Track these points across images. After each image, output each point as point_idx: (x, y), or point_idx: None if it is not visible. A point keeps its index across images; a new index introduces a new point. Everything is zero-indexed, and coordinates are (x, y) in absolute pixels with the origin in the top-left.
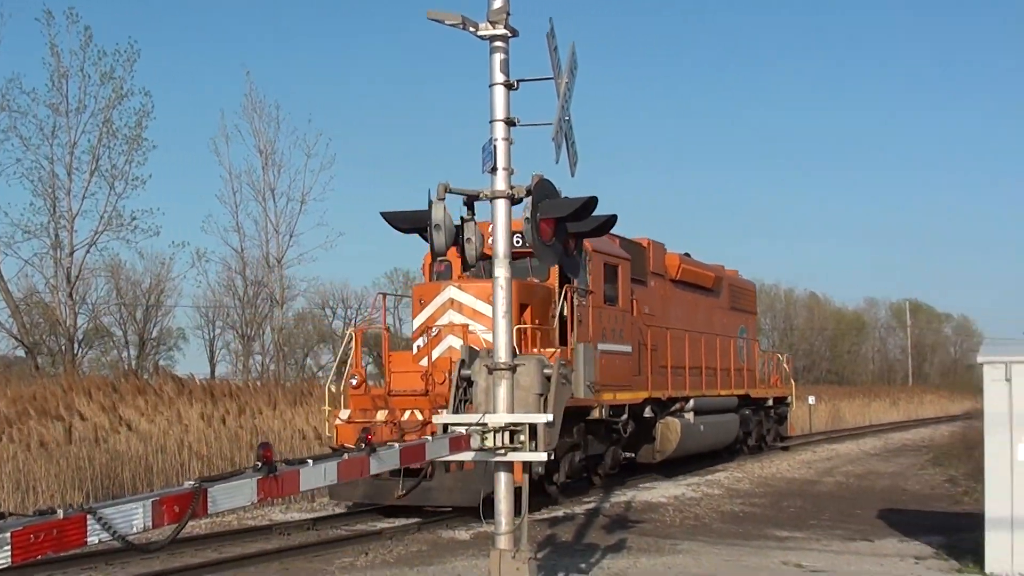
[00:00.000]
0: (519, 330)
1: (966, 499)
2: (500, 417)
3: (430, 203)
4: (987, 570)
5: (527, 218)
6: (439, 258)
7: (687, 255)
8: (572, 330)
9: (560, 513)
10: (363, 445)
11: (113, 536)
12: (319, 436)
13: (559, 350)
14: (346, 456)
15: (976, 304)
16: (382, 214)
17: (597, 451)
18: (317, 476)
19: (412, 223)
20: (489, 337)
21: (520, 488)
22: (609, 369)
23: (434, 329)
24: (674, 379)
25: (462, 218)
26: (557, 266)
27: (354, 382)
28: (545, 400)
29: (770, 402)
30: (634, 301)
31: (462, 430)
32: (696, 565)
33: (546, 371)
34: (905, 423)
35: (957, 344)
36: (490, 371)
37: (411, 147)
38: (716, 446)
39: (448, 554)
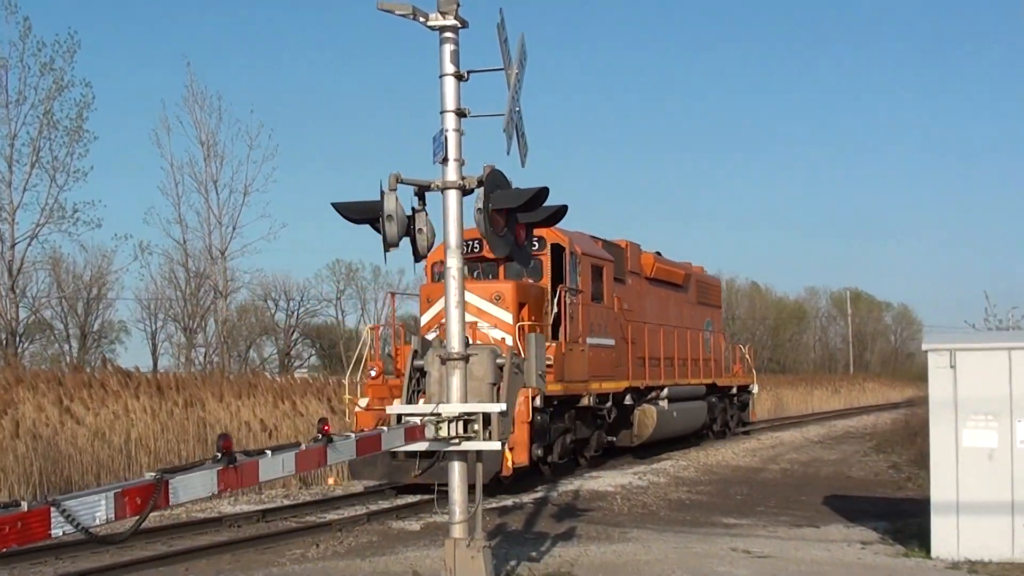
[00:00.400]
0: (520, 327)
1: (909, 485)
2: (454, 407)
3: (382, 194)
4: (933, 554)
5: (479, 208)
6: (438, 260)
7: (659, 254)
8: (565, 326)
9: (509, 502)
10: (320, 436)
11: (77, 528)
12: (265, 428)
13: (551, 344)
14: (303, 447)
15: (916, 293)
16: (333, 205)
17: (584, 435)
18: (275, 467)
19: (364, 214)
20: (493, 333)
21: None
22: (596, 361)
23: (439, 326)
24: (650, 370)
25: (413, 209)
26: (550, 267)
27: (372, 374)
28: (498, 389)
29: (734, 390)
30: (616, 298)
31: (416, 420)
32: (646, 552)
33: (499, 361)
34: (847, 411)
35: (897, 333)
36: (443, 361)
37: (356, 139)
38: (687, 431)
39: (399, 544)
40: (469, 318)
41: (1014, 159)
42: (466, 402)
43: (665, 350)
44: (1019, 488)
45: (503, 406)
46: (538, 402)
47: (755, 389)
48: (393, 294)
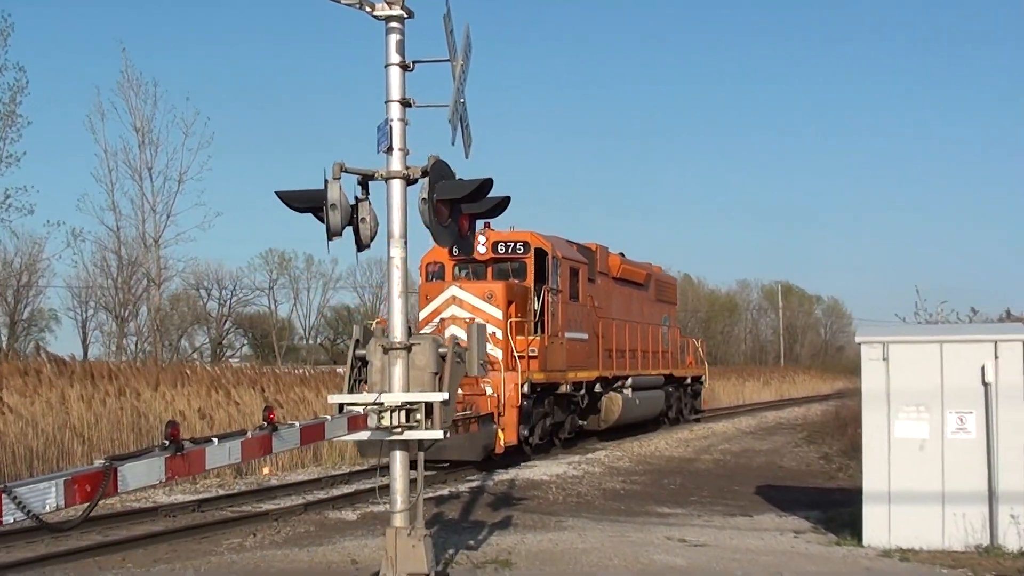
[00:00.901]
0: (512, 322)
1: (841, 475)
2: (396, 396)
3: (326, 183)
4: (865, 542)
5: (423, 198)
6: (431, 261)
7: (623, 255)
8: (547, 322)
9: (445, 492)
10: (265, 424)
11: (27, 515)
12: (204, 416)
13: (535, 338)
14: (249, 435)
15: (846, 287)
16: (277, 193)
17: (559, 419)
18: (222, 455)
19: (307, 202)
20: (488, 329)
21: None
22: (572, 353)
23: (437, 320)
24: (617, 361)
25: (357, 198)
26: (533, 269)
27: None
28: (440, 379)
29: (688, 380)
30: (589, 297)
31: (359, 410)
32: (582, 541)
33: (441, 350)
34: (778, 402)
35: (827, 326)
36: (385, 350)
37: (296, 128)
38: (647, 417)
39: (336, 534)
40: (465, 314)
41: (944, 155)
42: (408, 391)
43: (629, 343)
44: (949, 478)
45: (445, 395)
46: (526, 388)
47: (706, 380)
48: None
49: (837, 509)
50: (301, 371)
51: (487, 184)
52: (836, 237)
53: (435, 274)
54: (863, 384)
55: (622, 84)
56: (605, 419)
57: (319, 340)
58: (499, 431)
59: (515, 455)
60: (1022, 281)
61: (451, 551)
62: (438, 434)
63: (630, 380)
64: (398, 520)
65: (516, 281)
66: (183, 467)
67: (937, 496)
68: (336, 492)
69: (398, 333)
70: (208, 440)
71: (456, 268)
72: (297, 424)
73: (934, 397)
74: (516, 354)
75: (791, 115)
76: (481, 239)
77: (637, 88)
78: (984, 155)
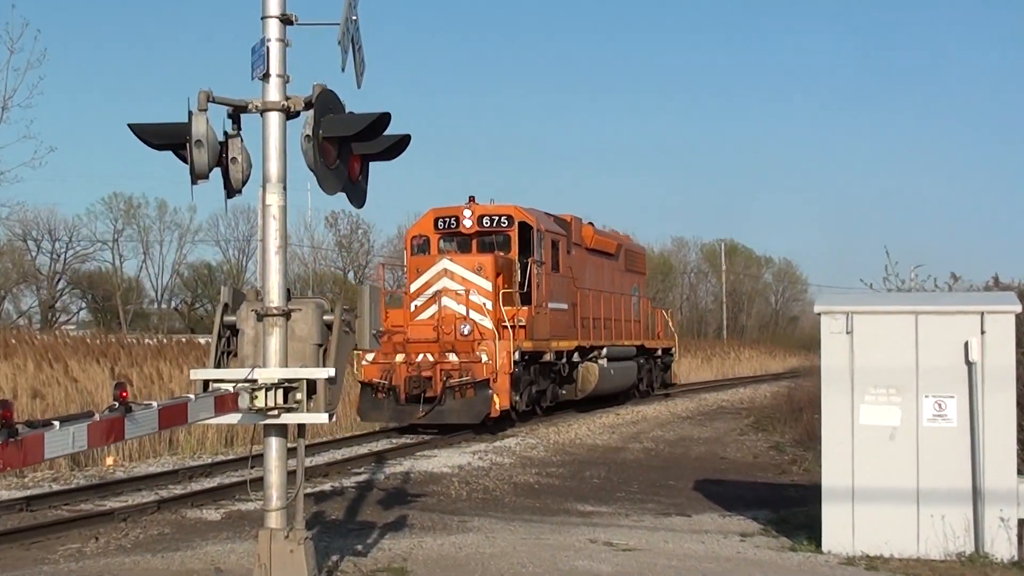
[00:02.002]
0: (504, 293)
1: (795, 469)
2: (272, 372)
3: (190, 115)
4: (824, 548)
5: (307, 135)
6: (417, 234)
7: (592, 224)
8: (533, 293)
9: (327, 487)
10: (116, 405)
11: None
12: (37, 395)
13: (521, 308)
14: (97, 418)
15: (800, 248)
16: (131, 126)
17: (542, 388)
18: (64, 441)
19: (167, 138)
20: (479, 300)
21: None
22: (555, 323)
23: (429, 292)
24: (593, 331)
25: (226, 133)
26: (517, 242)
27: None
28: (325, 352)
29: (659, 352)
30: (568, 268)
31: (228, 387)
32: (490, 544)
33: (326, 318)
34: (720, 382)
35: (779, 292)
36: (260, 317)
37: (151, 46)
38: (621, 388)
39: (197, 537)
40: (458, 287)
41: (918, 93)
42: (287, 366)
43: (604, 313)
44: (925, 473)
45: (331, 371)
46: (517, 356)
47: (676, 352)
48: (383, 264)
49: (791, 508)
50: (154, 341)
51: (383, 119)
52: (788, 189)
53: (420, 247)
54: (822, 361)
55: (549, 31)
56: (582, 388)
57: (174, 304)
58: (494, 396)
59: (502, 422)
60: (1010, 243)
61: (336, 557)
62: (322, 417)
63: (605, 350)
64: (273, 520)
65: (501, 254)
66: (17, 457)
67: (910, 494)
68: (196, 487)
69: (275, 296)
70: (47, 424)
71: (441, 241)
72: (155, 404)
73: (907, 378)
74: (506, 323)
75: (731, 56)
76: (467, 213)
77: (565, 35)
78: (964, 95)
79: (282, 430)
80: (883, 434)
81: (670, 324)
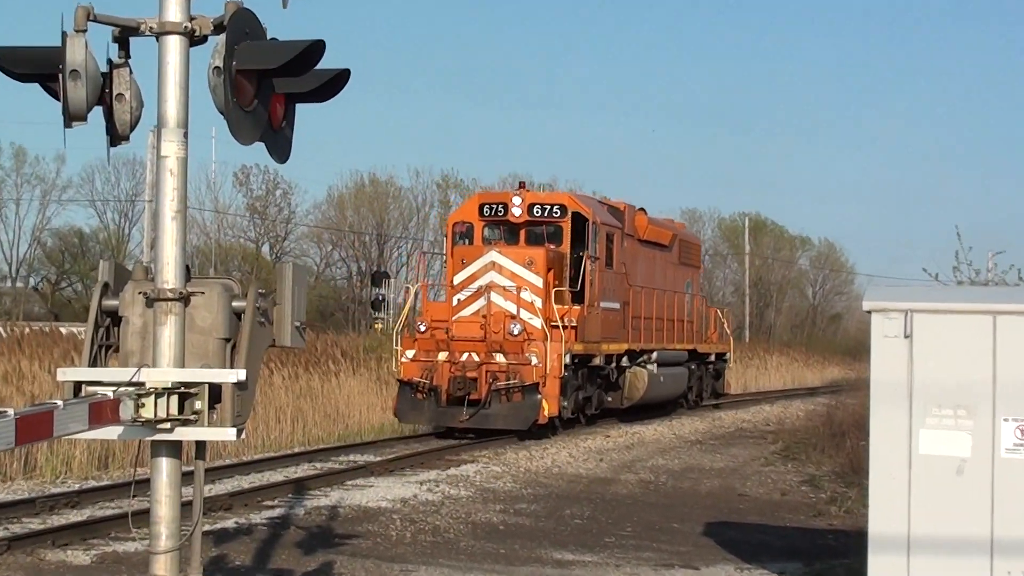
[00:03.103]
0: (558, 291)
1: (833, 509)
2: (164, 373)
3: (64, 36)
4: None
5: (217, 67)
6: (459, 221)
7: (643, 211)
8: (586, 290)
9: (231, 524)
10: None
11: None
12: None
13: (573, 307)
14: None
15: (845, 227)
16: None
17: (588, 394)
18: None
19: (34, 66)
20: (529, 297)
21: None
22: (606, 324)
23: (474, 285)
24: (644, 333)
25: (111, 62)
26: (570, 234)
27: (423, 328)
28: (235, 348)
29: (712, 358)
30: (622, 264)
31: (107, 392)
32: None
33: (235, 304)
34: (741, 397)
35: (818, 283)
36: (150, 302)
37: None
38: (670, 397)
39: None
40: (507, 282)
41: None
42: (184, 366)
43: (656, 313)
44: (1002, 517)
45: (241, 373)
46: (568, 359)
47: (731, 358)
48: (423, 253)
49: (828, 561)
50: (8, 330)
51: (315, 49)
52: (832, 152)
53: (463, 235)
54: (872, 373)
55: None
56: (629, 396)
57: (33, 283)
58: (543, 401)
59: (544, 429)
60: None
61: None
62: (228, 433)
63: (655, 354)
64: (161, 566)
65: (553, 247)
66: None
67: (983, 544)
68: (59, 520)
69: (170, 275)
70: None
71: (486, 229)
72: (10, 412)
73: (981, 396)
74: (558, 324)
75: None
76: (516, 200)
77: None
78: None
79: (175, 449)
80: (949, 467)
81: (725, 326)
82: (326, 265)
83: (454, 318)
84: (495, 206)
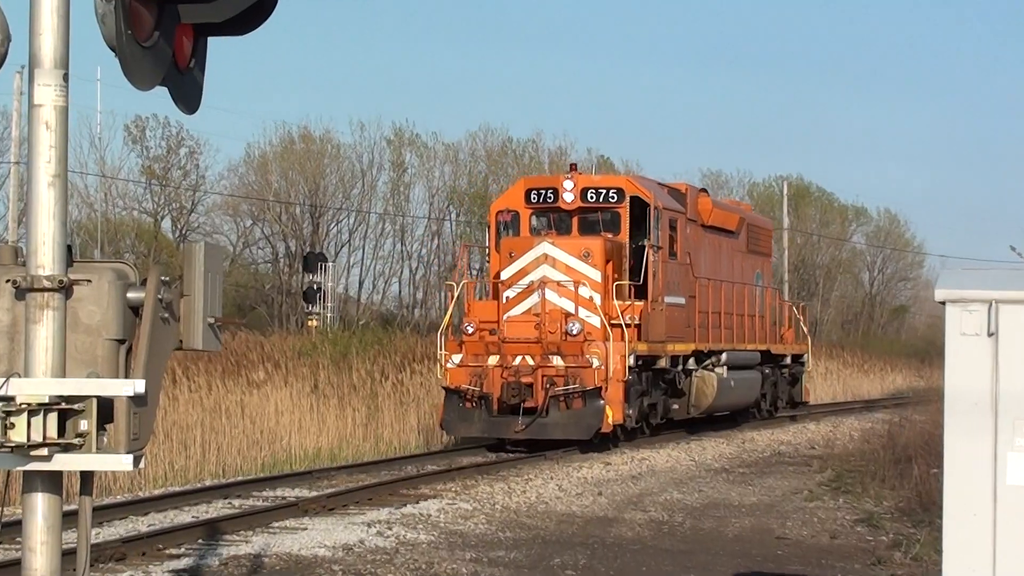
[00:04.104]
0: (615, 286)
1: (898, 556)
2: (40, 384)
3: None
4: None
5: None
6: (504, 209)
7: (705, 191)
8: (649, 284)
9: None
10: None
11: None
12: None
13: (637, 303)
14: None
15: (910, 195)
16: None
17: (653, 400)
18: None
19: None
20: (587, 293)
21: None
22: (671, 321)
23: (524, 281)
24: (712, 332)
25: None
26: (628, 221)
27: (470, 329)
28: (130, 352)
29: (787, 360)
30: (686, 253)
31: None
32: None
33: (131, 295)
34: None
35: (876, 267)
36: (20, 293)
37: None
38: (741, 405)
39: None
40: (562, 276)
41: None
42: (65, 375)
43: (725, 309)
44: None
45: (138, 384)
46: (631, 360)
47: (809, 361)
48: (466, 245)
49: None
50: None
51: None
52: (895, 103)
53: (508, 224)
54: (947, 381)
55: None
56: (696, 404)
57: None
58: (606, 408)
59: (606, 440)
60: None
61: None
62: (123, 461)
63: (725, 356)
64: None
65: (610, 235)
66: None
67: None
68: None
69: (47, 258)
70: None
71: (534, 217)
72: None
73: None
74: (619, 322)
75: None
76: (567, 185)
77: None
78: None
79: (54, 482)
80: None
81: (802, 323)
82: (245, 245)
83: (504, 317)
84: (543, 192)
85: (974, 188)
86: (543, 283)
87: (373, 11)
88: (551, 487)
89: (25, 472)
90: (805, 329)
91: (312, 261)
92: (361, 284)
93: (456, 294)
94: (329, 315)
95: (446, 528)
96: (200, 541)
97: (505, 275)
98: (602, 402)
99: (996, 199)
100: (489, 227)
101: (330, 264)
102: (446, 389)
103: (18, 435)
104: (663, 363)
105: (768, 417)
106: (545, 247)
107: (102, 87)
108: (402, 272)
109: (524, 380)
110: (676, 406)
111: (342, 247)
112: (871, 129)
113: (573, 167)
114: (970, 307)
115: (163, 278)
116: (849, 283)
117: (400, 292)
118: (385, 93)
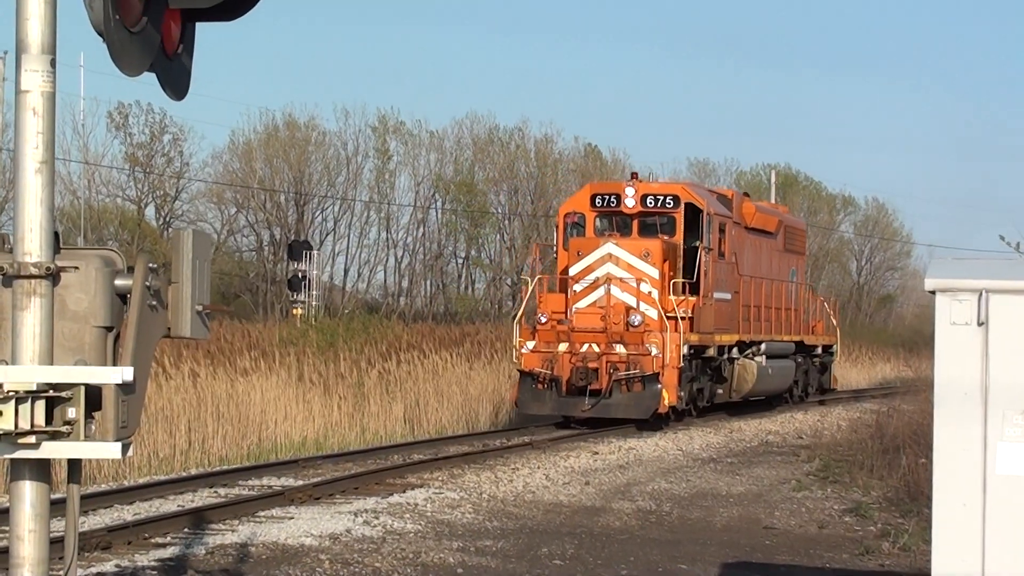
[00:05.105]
0: (673, 283)
1: (886, 546)
2: (27, 372)
3: None
4: None
5: None
6: (571, 211)
7: (747, 196)
8: (701, 282)
9: (110, 567)
10: None
11: None
12: None
13: (688, 298)
14: None
15: (898, 186)
16: None
17: (701, 385)
18: None
19: None
20: (647, 289)
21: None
22: (719, 314)
23: (590, 277)
24: (753, 324)
25: None
26: (683, 225)
27: (543, 320)
28: (118, 339)
29: (819, 350)
30: (733, 253)
31: None
32: None
33: (119, 282)
34: (764, 401)
35: (864, 256)
36: (7, 280)
37: None
38: (777, 390)
39: None
40: (624, 274)
41: None
42: (52, 363)
43: (765, 303)
44: None
45: (126, 371)
46: (685, 350)
47: (837, 351)
48: (538, 244)
49: None
50: None
51: None
52: (885, 86)
53: (575, 225)
54: (936, 371)
55: None
56: (737, 389)
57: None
58: (663, 391)
59: (659, 419)
60: None
61: None
62: (111, 449)
63: (763, 346)
64: None
65: (666, 237)
66: None
67: None
68: None
69: (35, 245)
70: None
71: (597, 220)
72: None
73: None
74: (675, 315)
75: None
76: (629, 191)
77: None
78: None
79: (42, 470)
80: None
81: (832, 316)
82: (229, 232)
83: (572, 309)
84: (607, 197)
85: (963, 177)
86: (608, 279)
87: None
88: (538, 476)
89: (12, 460)
90: (835, 322)
91: (297, 249)
92: (346, 272)
93: (530, 288)
94: (314, 303)
95: (433, 517)
96: (186, 530)
97: (573, 271)
98: (659, 386)
99: (985, 188)
100: (557, 228)
101: (315, 252)
102: (520, 372)
103: (5, 423)
104: (711, 352)
105: (799, 402)
106: (610, 247)
107: (85, 73)
108: (387, 260)
109: (590, 365)
110: (720, 391)
111: (327, 235)
112: (859, 118)
113: (634, 175)
114: (960, 296)
115: (151, 265)
116: (836, 272)
117: (385, 280)
118: (370, 80)
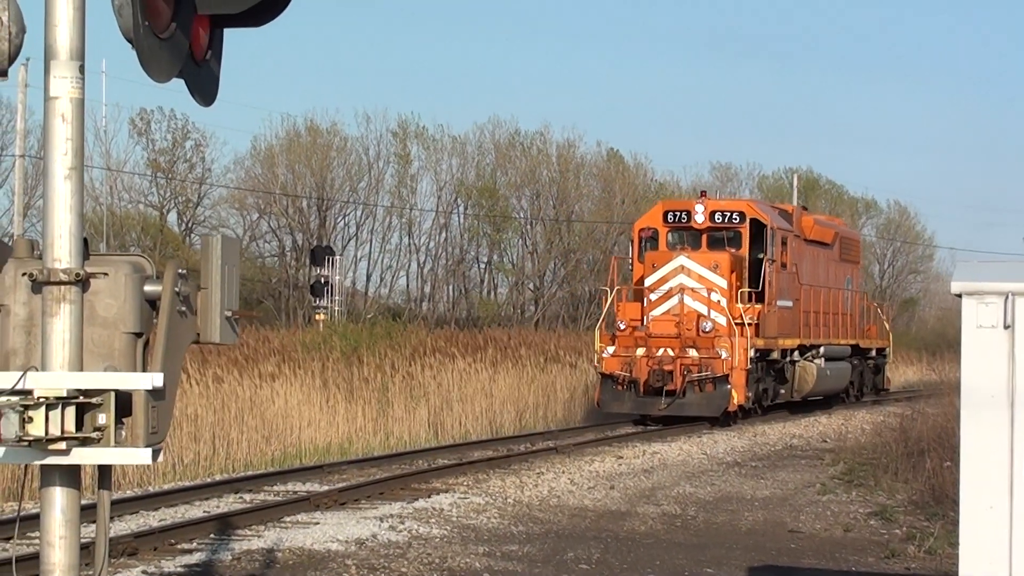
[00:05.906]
0: (741, 292)
1: (912, 549)
2: (57, 378)
3: None
4: None
5: None
6: (645, 227)
7: (805, 208)
8: (766, 291)
9: (136, 574)
10: None
11: None
12: None
13: (754, 306)
14: None
15: (922, 190)
16: None
17: (765, 386)
18: None
19: None
20: (717, 297)
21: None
22: (782, 321)
23: (664, 287)
24: (813, 329)
25: None
26: (748, 239)
27: (622, 326)
28: (148, 345)
29: (872, 353)
30: (794, 264)
31: None
32: None
33: (148, 288)
34: (788, 406)
35: (887, 259)
36: (37, 286)
37: None
38: (835, 390)
39: None
40: (695, 284)
41: None
42: (82, 369)
43: (823, 309)
44: None
45: (156, 377)
46: (752, 353)
47: (890, 353)
48: (616, 258)
49: None
50: None
51: None
52: (908, 90)
53: (648, 239)
54: (963, 374)
55: None
56: (799, 389)
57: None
58: (732, 391)
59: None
60: None
61: None
62: (141, 455)
63: (822, 349)
64: None
65: (733, 250)
66: None
67: None
68: None
69: (64, 252)
70: None
71: (669, 235)
72: None
73: None
74: (742, 321)
75: None
76: (699, 208)
77: None
78: None
79: (73, 476)
80: None
81: (884, 321)
82: (251, 238)
83: (649, 316)
84: (679, 213)
85: (985, 180)
86: (682, 289)
87: (378, 2)
88: (563, 481)
89: (43, 466)
90: (887, 326)
91: (319, 255)
92: (369, 278)
93: (610, 298)
94: (337, 309)
95: (458, 522)
96: (212, 536)
97: (648, 282)
98: (729, 386)
99: (1007, 191)
100: (632, 242)
101: (337, 257)
102: (602, 374)
103: (36, 429)
104: (775, 355)
105: (855, 402)
106: (682, 260)
107: (107, 79)
108: (410, 265)
109: (666, 368)
110: (783, 391)
111: (349, 240)
112: (881, 121)
113: (703, 193)
114: (986, 299)
115: (180, 271)
116: (859, 275)
117: (408, 286)
118: (391, 85)
